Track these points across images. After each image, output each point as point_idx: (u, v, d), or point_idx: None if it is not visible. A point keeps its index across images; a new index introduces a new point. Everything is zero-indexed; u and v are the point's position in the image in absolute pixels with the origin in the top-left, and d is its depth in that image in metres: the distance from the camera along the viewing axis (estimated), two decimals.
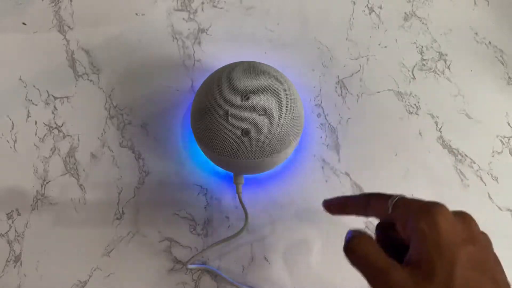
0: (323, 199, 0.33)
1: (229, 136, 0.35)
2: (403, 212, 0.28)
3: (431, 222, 0.26)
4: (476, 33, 0.49)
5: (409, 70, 0.47)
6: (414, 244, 0.27)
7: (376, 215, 0.30)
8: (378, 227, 0.32)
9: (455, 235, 0.26)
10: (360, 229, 0.29)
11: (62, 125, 0.44)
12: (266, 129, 0.35)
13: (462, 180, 0.44)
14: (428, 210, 0.27)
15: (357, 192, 0.43)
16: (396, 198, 0.28)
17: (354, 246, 0.28)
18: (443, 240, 0.26)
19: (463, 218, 0.28)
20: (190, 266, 0.40)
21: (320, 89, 0.45)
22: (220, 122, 0.35)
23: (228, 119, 0.35)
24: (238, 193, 0.39)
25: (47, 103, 0.45)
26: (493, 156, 0.45)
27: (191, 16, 0.48)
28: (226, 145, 0.36)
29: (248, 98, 0.35)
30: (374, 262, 0.27)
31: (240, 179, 0.40)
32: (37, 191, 0.42)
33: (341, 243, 0.43)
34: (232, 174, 0.41)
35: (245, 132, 0.35)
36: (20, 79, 0.45)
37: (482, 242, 0.27)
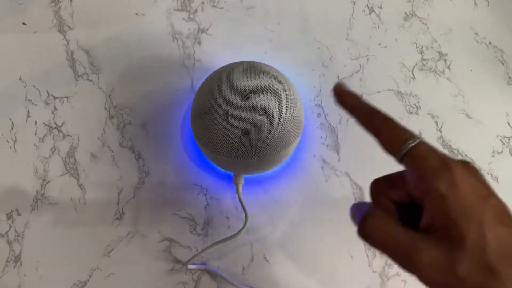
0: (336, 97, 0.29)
1: (229, 136, 0.35)
2: (417, 166, 0.25)
3: (450, 183, 0.24)
4: (476, 33, 0.49)
5: (409, 70, 0.47)
6: (433, 208, 0.24)
7: (382, 145, 0.27)
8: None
9: (476, 192, 0.24)
10: (366, 203, 0.27)
11: (62, 125, 0.44)
12: (266, 129, 0.35)
13: None
14: (447, 167, 0.24)
15: (357, 192, 0.43)
16: (412, 144, 0.25)
17: (368, 230, 0.26)
18: (467, 201, 0.23)
19: (471, 169, 0.25)
20: (190, 266, 0.40)
21: (320, 89, 0.45)
22: (220, 122, 0.35)
23: (228, 119, 0.35)
24: (238, 193, 0.39)
25: (47, 103, 0.45)
26: (493, 156, 0.45)
27: (191, 16, 0.48)
28: (226, 145, 0.36)
29: (248, 98, 0.35)
30: (396, 243, 0.24)
31: (240, 179, 0.40)
32: (37, 191, 0.42)
33: (341, 243, 0.43)
34: (232, 174, 0.41)
35: (245, 132, 0.35)
36: (20, 79, 0.45)
37: (493, 191, 0.25)
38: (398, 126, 0.27)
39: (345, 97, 0.29)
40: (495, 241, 0.23)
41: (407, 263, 0.24)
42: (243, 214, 0.39)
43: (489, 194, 0.24)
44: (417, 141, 0.25)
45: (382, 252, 0.25)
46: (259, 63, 0.39)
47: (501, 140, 0.45)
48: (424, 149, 0.25)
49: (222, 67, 0.39)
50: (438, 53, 0.48)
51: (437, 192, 0.24)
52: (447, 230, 0.23)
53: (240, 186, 0.40)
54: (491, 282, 0.22)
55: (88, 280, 0.40)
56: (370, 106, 0.28)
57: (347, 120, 0.45)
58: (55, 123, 0.44)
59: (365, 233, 0.26)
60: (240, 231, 0.38)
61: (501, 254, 0.23)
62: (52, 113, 0.44)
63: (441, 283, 0.23)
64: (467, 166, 0.25)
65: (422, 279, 0.24)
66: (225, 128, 0.35)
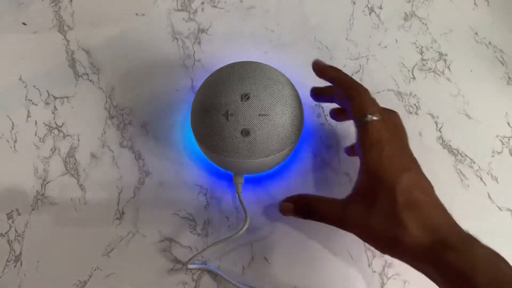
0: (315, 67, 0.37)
1: (229, 136, 0.35)
2: (362, 140, 0.32)
3: (378, 158, 0.31)
4: (476, 33, 0.49)
5: (409, 70, 0.47)
6: (361, 175, 0.33)
7: (351, 110, 0.34)
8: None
9: (398, 166, 0.31)
10: (293, 199, 0.37)
11: (62, 125, 0.44)
12: (266, 129, 0.35)
13: (462, 180, 0.44)
14: (380, 146, 0.31)
15: None
16: (370, 119, 0.32)
17: (314, 211, 0.35)
18: (386, 174, 0.30)
19: (403, 147, 0.33)
20: (190, 266, 0.40)
21: None
22: (220, 122, 0.35)
23: (228, 119, 0.35)
24: (238, 193, 0.39)
25: (47, 103, 0.45)
26: (493, 156, 0.45)
27: (191, 16, 0.48)
28: (226, 145, 0.36)
29: (248, 98, 0.35)
30: (332, 215, 0.33)
31: (240, 179, 0.40)
32: (37, 191, 0.42)
33: (341, 243, 0.43)
34: (232, 174, 0.41)
35: (245, 132, 0.35)
36: (20, 79, 0.45)
37: (417, 167, 0.33)
38: (369, 99, 0.33)
39: (325, 71, 0.36)
40: (403, 200, 0.29)
41: (341, 224, 0.33)
42: (243, 214, 0.39)
43: (409, 168, 0.31)
44: (374, 118, 0.32)
45: (326, 223, 0.34)
46: (259, 63, 0.39)
47: (501, 140, 0.45)
48: (374, 126, 0.32)
49: (222, 67, 0.39)
50: (438, 53, 0.48)
51: (367, 164, 0.32)
52: (367, 193, 0.31)
53: (240, 186, 0.40)
54: (398, 229, 0.29)
55: (88, 280, 0.40)
56: (348, 77, 0.35)
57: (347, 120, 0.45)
58: (55, 123, 0.44)
59: (314, 214, 0.35)
60: (240, 231, 0.38)
61: (407, 207, 0.29)
62: (52, 113, 0.44)
63: (365, 234, 0.32)
64: (402, 143, 0.33)
65: (353, 232, 0.32)
66: (225, 128, 0.35)
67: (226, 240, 0.39)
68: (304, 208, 0.36)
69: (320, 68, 0.36)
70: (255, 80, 0.36)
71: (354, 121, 0.34)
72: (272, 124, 0.35)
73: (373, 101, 0.33)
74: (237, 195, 0.40)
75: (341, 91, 0.35)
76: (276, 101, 0.36)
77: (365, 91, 0.34)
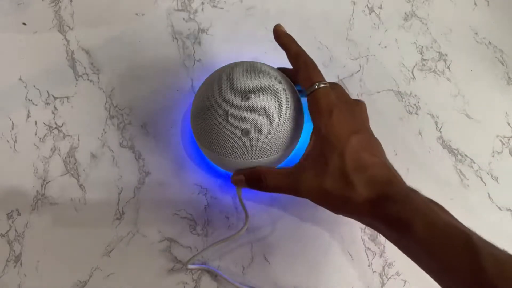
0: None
1: (229, 136, 0.35)
2: (312, 106, 0.34)
3: (328, 123, 0.32)
4: (476, 33, 0.49)
5: (409, 70, 0.47)
6: (311, 142, 0.35)
7: (299, 82, 0.36)
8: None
9: (347, 130, 0.32)
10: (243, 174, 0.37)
11: (62, 125, 0.44)
12: (266, 129, 0.35)
13: (462, 180, 0.44)
14: (329, 111, 0.33)
15: None
16: (316, 87, 0.34)
17: (269, 184, 0.35)
18: (335, 137, 0.32)
19: (353, 110, 0.35)
20: (190, 266, 0.40)
21: None
22: (220, 122, 0.35)
23: (228, 119, 0.35)
24: (238, 193, 0.39)
25: (47, 103, 0.45)
26: (493, 156, 0.45)
27: (191, 16, 0.48)
28: (226, 145, 0.36)
29: (248, 98, 0.35)
30: (285, 185, 0.35)
31: None
32: (37, 191, 0.42)
33: (341, 243, 0.43)
34: (232, 174, 0.41)
35: (245, 132, 0.35)
36: (20, 79, 0.45)
37: (365, 129, 0.35)
38: (314, 70, 0.35)
39: (281, 38, 0.38)
40: (351, 162, 0.31)
41: (295, 192, 0.34)
42: (243, 214, 0.39)
43: (357, 130, 0.33)
44: (322, 85, 0.34)
45: (279, 193, 0.36)
46: (260, 63, 0.39)
47: (501, 140, 0.46)
48: (321, 92, 0.34)
49: (223, 67, 0.39)
50: (438, 53, 0.48)
51: (317, 130, 0.33)
52: (318, 159, 0.33)
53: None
54: (348, 189, 0.31)
55: (88, 280, 0.40)
56: (298, 48, 0.36)
57: None
58: (55, 123, 0.44)
59: (266, 186, 0.35)
60: (240, 230, 0.38)
61: (355, 169, 0.31)
62: (52, 113, 0.44)
63: (317, 197, 0.33)
64: (349, 107, 0.35)
65: (307, 197, 0.34)
66: (225, 128, 0.35)
67: (226, 240, 0.39)
68: (255, 180, 0.36)
69: (277, 33, 0.38)
70: (255, 80, 0.36)
71: (303, 92, 0.36)
72: (272, 124, 0.35)
73: (320, 73, 0.35)
74: (237, 195, 0.40)
75: (291, 62, 0.36)
76: (276, 101, 0.36)
77: (312, 63, 0.35)
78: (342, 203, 0.32)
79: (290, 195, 0.35)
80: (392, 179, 0.32)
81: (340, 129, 0.32)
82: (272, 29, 0.38)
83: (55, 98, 0.45)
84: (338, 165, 0.32)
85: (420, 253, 0.29)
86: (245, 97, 0.35)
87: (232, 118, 0.35)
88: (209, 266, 0.41)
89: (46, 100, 0.45)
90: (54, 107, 0.45)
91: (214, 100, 0.36)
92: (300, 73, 0.35)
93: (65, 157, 0.43)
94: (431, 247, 0.28)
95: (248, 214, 0.39)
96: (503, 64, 0.48)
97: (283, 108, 0.36)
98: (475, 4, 0.50)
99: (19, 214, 0.42)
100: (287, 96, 0.37)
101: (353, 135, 0.32)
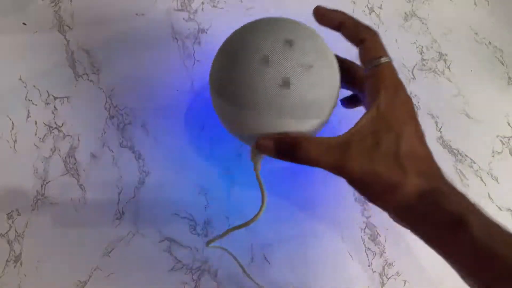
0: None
1: (265, 85, 0.29)
2: (376, 80, 0.30)
3: (390, 102, 0.30)
4: (476, 33, 0.49)
5: (409, 70, 0.47)
6: (364, 119, 0.30)
7: (362, 53, 0.31)
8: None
9: (405, 114, 0.30)
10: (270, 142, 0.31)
11: (62, 125, 0.44)
12: (309, 83, 0.29)
13: (462, 180, 0.44)
14: (396, 91, 0.30)
15: (359, 195, 0.43)
16: (383, 61, 0.30)
17: (304, 153, 0.29)
18: (394, 119, 0.29)
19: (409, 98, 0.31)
20: (211, 245, 0.40)
21: None
22: (256, 69, 0.29)
23: (265, 66, 0.29)
24: (256, 167, 0.33)
25: (47, 103, 0.45)
26: (493, 156, 0.45)
27: (191, 16, 0.48)
28: (258, 98, 0.29)
29: (292, 44, 0.29)
30: (328, 160, 0.29)
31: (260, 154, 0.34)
32: (37, 191, 0.42)
33: (341, 243, 0.43)
34: (249, 148, 0.35)
35: (285, 82, 0.29)
36: (20, 79, 0.45)
37: (416, 115, 0.32)
38: (380, 42, 0.31)
39: (331, 15, 0.33)
40: (406, 148, 0.29)
41: (338, 169, 0.29)
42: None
43: (414, 116, 0.31)
44: (388, 60, 0.31)
45: (315, 166, 0.30)
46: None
47: (501, 140, 0.45)
48: (389, 67, 0.31)
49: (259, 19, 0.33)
50: (438, 53, 0.48)
51: (375, 106, 0.30)
52: (369, 136, 0.29)
53: (260, 162, 0.34)
54: (399, 175, 0.28)
55: (88, 280, 0.40)
56: (355, 19, 0.32)
57: (348, 120, 0.45)
58: (55, 123, 0.44)
59: (301, 155, 0.29)
60: (259, 213, 0.34)
61: (408, 156, 0.29)
62: (52, 113, 0.44)
63: (362, 180, 0.29)
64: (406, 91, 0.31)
65: (349, 178, 0.30)
66: (261, 76, 0.29)
67: (247, 225, 0.35)
68: (288, 147, 0.30)
69: (321, 12, 0.33)
70: (298, 28, 0.31)
71: (364, 64, 0.31)
72: (315, 78, 0.30)
73: (384, 46, 0.32)
74: (255, 173, 0.33)
75: (350, 34, 0.32)
76: (322, 53, 0.31)
77: (376, 33, 0.32)
78: (388, 190, 0.29)
79: (329, 171, 0.30)
80: (439, 173, 0.30)
81: (401, 111, 0.30)
82: None
83: (55, 98, 0.45)
84: (393, 149, 0.29)
85: (472, 251, 0.27)
86: (288, 43, 0.29)
87: (270, 65, 0.29)
88: (225, 248, 0.41)
89: (46, 100, 0.45)
90: (54, 107, 0.45)
91: (251, 43, 0.30)
92: (366, 43, 0.31)
93: (65, 157, 0.43)
94: (488, 245, 0.26)
95: (265, 194, 0.34)
96: (503, 64, 0.48)
97: (329, 62, 0.31)
98: (475, 4, 0.50)
99: (19, 214, 0.42)
100: (332, 53, 0.33)
101: (411, 120, 0.30)
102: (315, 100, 0.30)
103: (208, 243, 0.40)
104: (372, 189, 0.29)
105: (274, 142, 0.30)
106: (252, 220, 0.34)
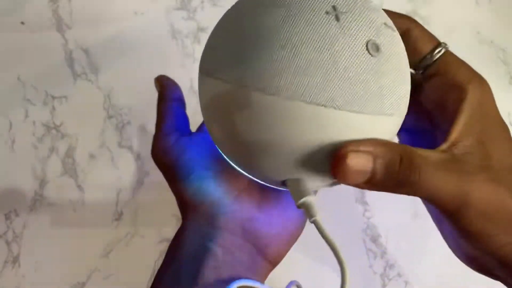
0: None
1: (341, 50, 0.17)
2: (449, 73, 0.22)
3: (484, 95, 0.22)
4: (478, 32, 0.48)
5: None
6: (467, 116, 0.21)
7: (410, 52, 0.22)
8: None
9: (496, 108, 0.23)
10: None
11: (61, 125, 0.44)
12: (398, 55, 0.19)
13: None
14: (480, 77, 0.22)
15: (359, 192, 0.43)
16: (442, 51, 0.22)
17: (412, 175, 0.18)
18: (496, 116, 0.22)
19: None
20: None
21: None
22: (323, 24, 0.17)
23: (338, 20, 0.17)
24: (315, 218, 0.21)
25: (46, 103, 0.44)
26: None
27: (191, 15, 0.47)
28: (336, 72, 0.17)
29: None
30: (440, 191, 0.18)
31: (310, 185, 0.21)
32: (35, 191, 0.42)
33: (342, 243, 0.43)
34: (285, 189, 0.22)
35: (374, 46, 0.17)
36: (19, 78, 0.45)
37: None
38: (424, 28, 0.24)
39: None
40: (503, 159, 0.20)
41: (460, 203, 0.18)
42: None
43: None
44: (447, 46, 0.23)
45: (428, 198, 0.19)
46: None
47: None
48: (454, 55, 0.23)
49: None
50: None
51: (473, 98, 0.21)
52: (478, 146, 0.20)
53: (315, 204, 0.22)
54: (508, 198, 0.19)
55: (87, 282, 0.40)
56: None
57: None
58: (53, 123, 0.44)
59: (422, 188, 0.18)
60: None
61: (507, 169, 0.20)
62: (51, 113, 0.44)
63: (491, 210, 0.19)
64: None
65: (468, 215, 0.19)
66: (333, 36, 0.17)
67: None
68: (406, 172, 0.18)
69: None
70: None
71: (420, 62, 0.23)
72: (402, 47, 0.20)
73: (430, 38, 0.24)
74: (315, 226, 0.21)
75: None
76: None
77: (415, 20, 0.25)
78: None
79: (440, 205, 0.19)
80: None
81: (496, 108, 0.22)
82: None
83: (54, 97, 0.45)
84: (507, 160, 0.20)
85: None
86: None
87: (345, 18, 0.17)
88: None
89: (44, 99, 0.45)
90: (53, 106, 0.44)
91: None
92: (416, 31, 0.23)
93: (64, 157, 0.43)
94: None
95: (345, 263, 0.21)
96: (505, 64, 0.47)
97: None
98: (477, 3, 0.49)
99: (17, 214, 0.42)
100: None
101: (501, 118, 0.22)
102: (405, 80, 0.19)
103: None
104: (497, 220, 0.19)
105: (382, 158, 0.18)
106: None
